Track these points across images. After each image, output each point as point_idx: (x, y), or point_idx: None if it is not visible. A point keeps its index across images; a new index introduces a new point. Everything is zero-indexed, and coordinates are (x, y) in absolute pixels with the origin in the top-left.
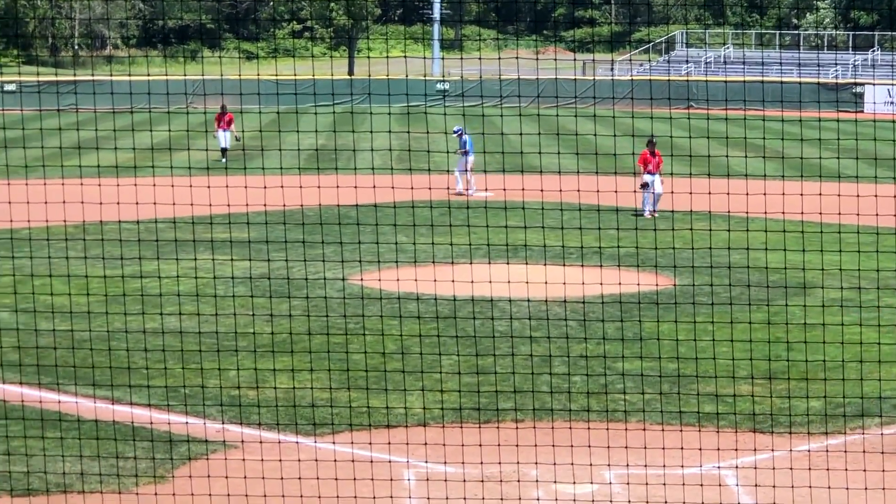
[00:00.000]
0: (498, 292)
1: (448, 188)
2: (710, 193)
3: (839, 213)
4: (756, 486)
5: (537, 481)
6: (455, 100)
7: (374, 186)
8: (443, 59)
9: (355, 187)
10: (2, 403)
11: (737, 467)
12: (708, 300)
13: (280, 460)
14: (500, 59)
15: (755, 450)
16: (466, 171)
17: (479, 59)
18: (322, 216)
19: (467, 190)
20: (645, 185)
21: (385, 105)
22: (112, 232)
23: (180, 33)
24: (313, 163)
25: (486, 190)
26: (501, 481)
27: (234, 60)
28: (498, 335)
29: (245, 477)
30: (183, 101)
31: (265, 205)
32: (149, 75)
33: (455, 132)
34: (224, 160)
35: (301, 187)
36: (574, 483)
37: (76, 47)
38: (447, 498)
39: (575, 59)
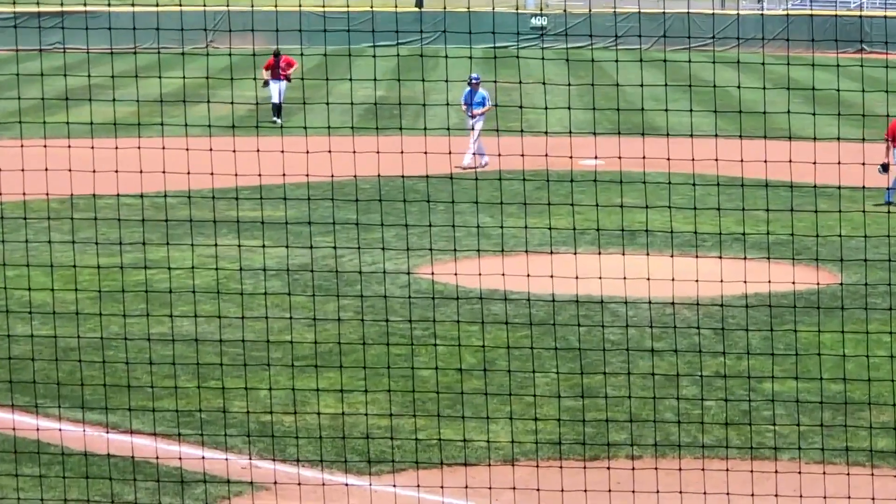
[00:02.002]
0: (610, 290)
1: (473, 164)
2: (889, 164)
3: None
4: None
5: None
6: (555, 39)
7: (450, 152)
8: None
9: (425, 153)
10: None
11: None
12: (884, 303)
13: None
14: None
15: None
16: (475, 135)
17: None
18: (381, 190)
19: (479, 162)
20: (886, 167)
21: (464, 46)
22: (108, 209)
23: None
24: (370, 120)
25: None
26: None
27: None
28: (609, 346)
29: None
30: (202, 38)
31: (307, 174)
32: (157, 5)
33: (473, 80)
34: (279, 119)
35: (354, 152)
36: None
37: None
38: None
39: None
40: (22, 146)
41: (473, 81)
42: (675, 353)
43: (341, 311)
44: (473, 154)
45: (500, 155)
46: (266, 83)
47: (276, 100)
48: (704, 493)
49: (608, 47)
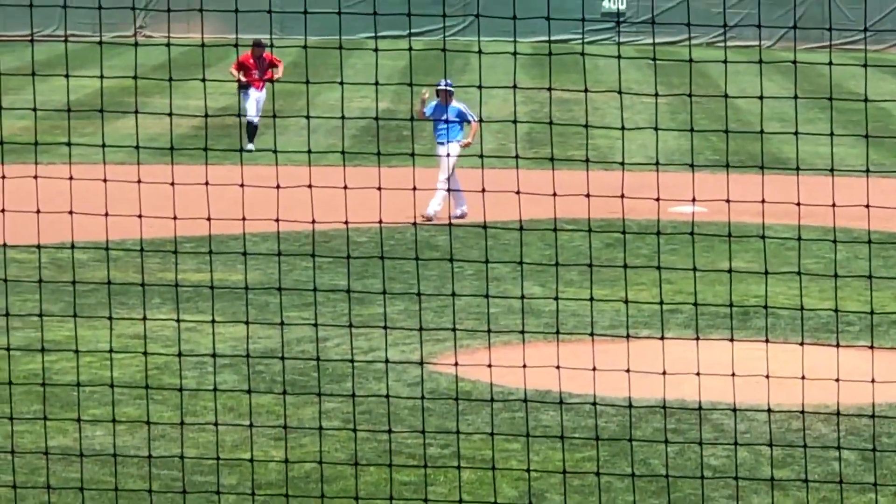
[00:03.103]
0: (712, 394)
1: (450, 213)
2: None
3: None
4: None
5: None
6: (638, 31)
7: (483, 190)
8: None
9: (448, 190)
10: None
11: None
12: None
13: None
14: None
15: None
16: (446, 170)
17: None
18: (383, 243)
19: (454, 212)
20: None
21: (506, 38)
22: None
23: None
24: (369, 143)
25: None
26: None
27: None
28: (710, 474)
29: None
30: (129, 24)
31: (277, 220)
32: None
33: (442, 87)
34: (250, 145)
35: (346, 188)
36: None
37: None
38: None
39: None
40: None
41: (441, 89)
42: (806, 486)
43: (324, 419)
44: (443, 196)
45: (554, 195)
46: (243, 89)
47: (252, 115)
48: None
49: (713, 43)
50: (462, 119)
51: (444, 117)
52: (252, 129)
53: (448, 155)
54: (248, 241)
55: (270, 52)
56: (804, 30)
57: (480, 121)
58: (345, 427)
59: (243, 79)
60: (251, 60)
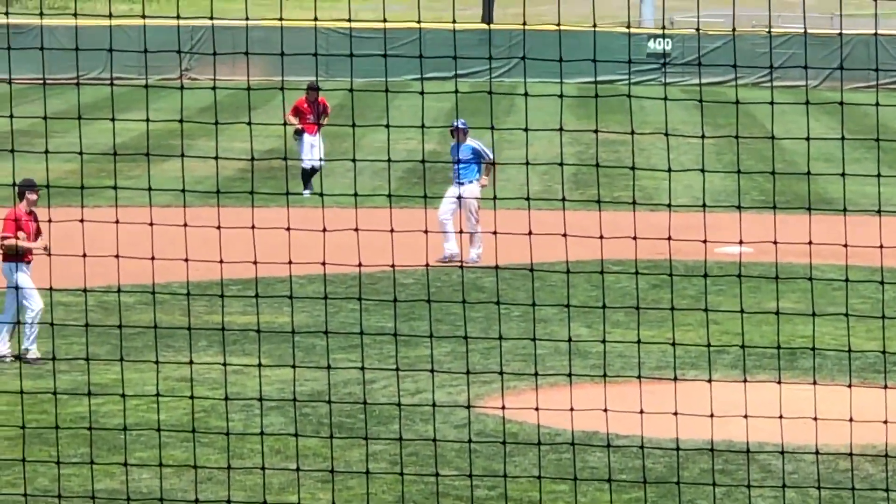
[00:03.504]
0: (759, 435)
1: (450, 256)
2: None
3: None
4: None
5: None
6: (683, 71)
7: (530, 233)
8: None
9: (494, 233)
10: None
11: None
12: None
13: None
14: None
15: None
16: (468, 212)
17: None
18: (430, 286)
19: (469, 254)
20: None
21: (552, 79)
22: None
23: None
24: (415, 185)
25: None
26: None
27: None
28: None
29: None
30: (174, 67)
31: (324, 263)
32: (111, 16)
33: (459, 126)
34: (307, 191)
35: (392, 231)
36: None
37: None
38: None
39: None
40: None
41: (455, 128)
42: None
43: (371, 461)
44: (472, 237)
45: (601, 237)
46: (298, 134)
47: (307, 162)
48: None
49: (759, 83)
50: (478, 157)
51: (457, 157)
52: (307, 175)
53: (460, 196)
54: (295, 284)
55: (325, 100)
56: (850, 70)
57: (493, 163)
58: (392, 470)
59: (295, 123)
60: (305, 105)
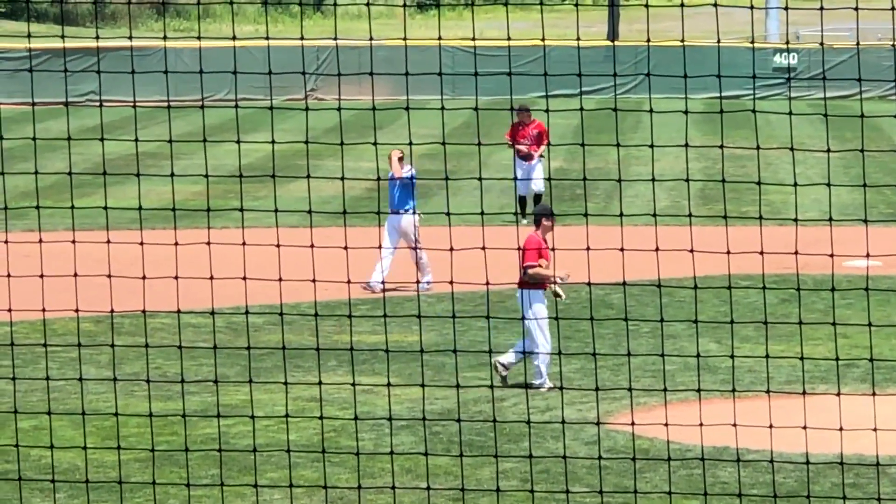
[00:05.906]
0: (888, 448)
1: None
2: None
3: None
4: None
5: None
6: (810, 85)
7: (657, 249)
8: (786, 8)
9: (621, 249)
10: None
11: None
12: None
13: None
14: None
15: None
16: (412, 240)
17: (856, 7)
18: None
19: (419, 279)
20: None
21: (677, 95)
22: (164, 331)
23: None
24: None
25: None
26: None
27: (390, 11)
28: None
29: None
30: (300, 88)
31: (451, 281)
32: (234, 38)
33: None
34: (525, 220)
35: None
36: None
37: None
38: None
39: None
40: (41, 241)
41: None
42: None
43: (501, 479)
44: (419, 266)
45: (728, 252)
46: (518, 158)
47: (522, 189)
48: None
49: (885, 96)
50: (412, 185)
51: (394, 184)
52: (523, 201)
53: (401, 224)
54: (423, 303)
55: (541, 123)
56: None
57: (412, 178)
58: (522, 487)
59: (515, 146)
60: (519, 127)
